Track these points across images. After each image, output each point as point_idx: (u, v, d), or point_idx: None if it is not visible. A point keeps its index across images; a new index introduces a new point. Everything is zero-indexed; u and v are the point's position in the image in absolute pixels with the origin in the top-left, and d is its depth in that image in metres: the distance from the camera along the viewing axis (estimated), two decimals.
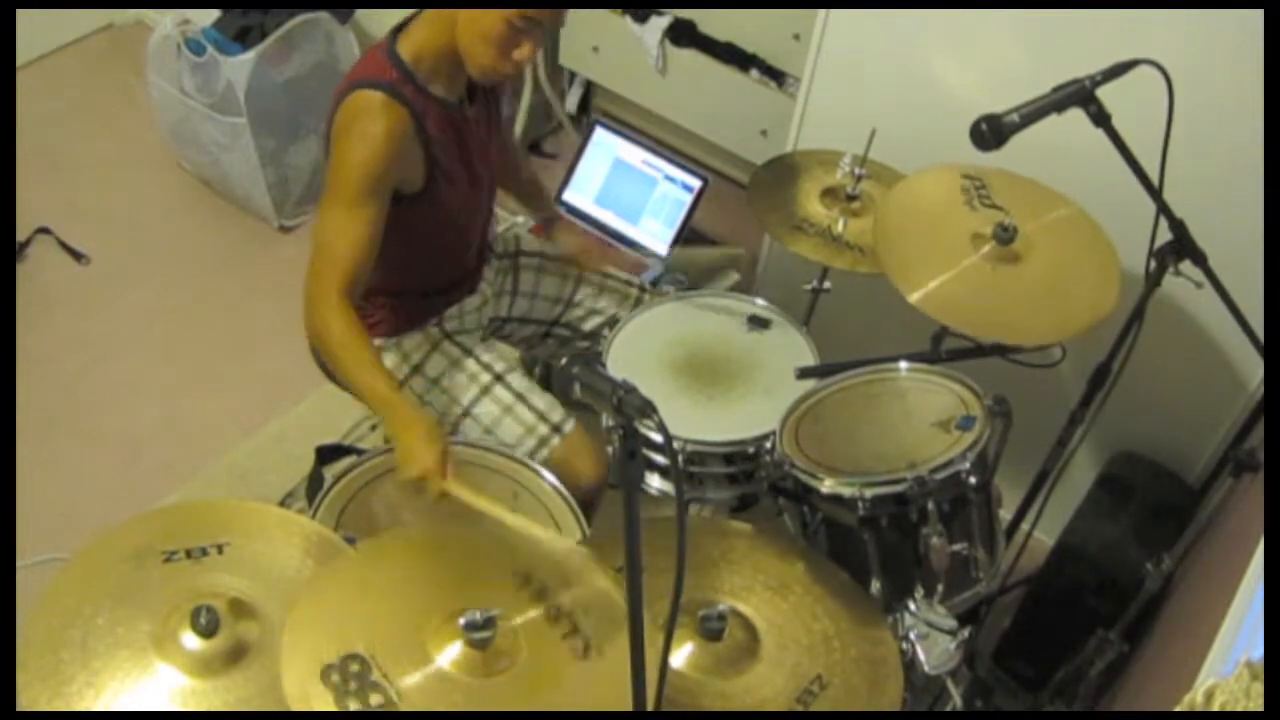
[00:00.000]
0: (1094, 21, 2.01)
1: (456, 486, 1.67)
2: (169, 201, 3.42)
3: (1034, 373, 1.96)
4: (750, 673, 1.59)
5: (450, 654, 1.37)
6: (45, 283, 3.13)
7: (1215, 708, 1.12)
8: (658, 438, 1.88)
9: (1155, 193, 1.73)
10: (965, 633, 1.71)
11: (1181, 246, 1.79)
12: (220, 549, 1.56)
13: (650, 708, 1.30)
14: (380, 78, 1.78)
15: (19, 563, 2.30)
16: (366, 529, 1.82)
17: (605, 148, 2.88)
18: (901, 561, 1.75)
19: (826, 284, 2.27)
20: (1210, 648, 1.39)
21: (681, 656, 1.58)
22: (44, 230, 3.22)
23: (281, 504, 2.45)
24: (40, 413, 2.78)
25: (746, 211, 2.31)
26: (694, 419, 1.93)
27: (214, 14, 3.10)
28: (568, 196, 2.93)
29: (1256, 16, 1.83)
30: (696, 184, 2.82)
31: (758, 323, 2.14)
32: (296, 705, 1.29)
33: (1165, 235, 1.79)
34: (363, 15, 3.33)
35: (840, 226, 2.20)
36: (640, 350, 2.08)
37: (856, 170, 2.21)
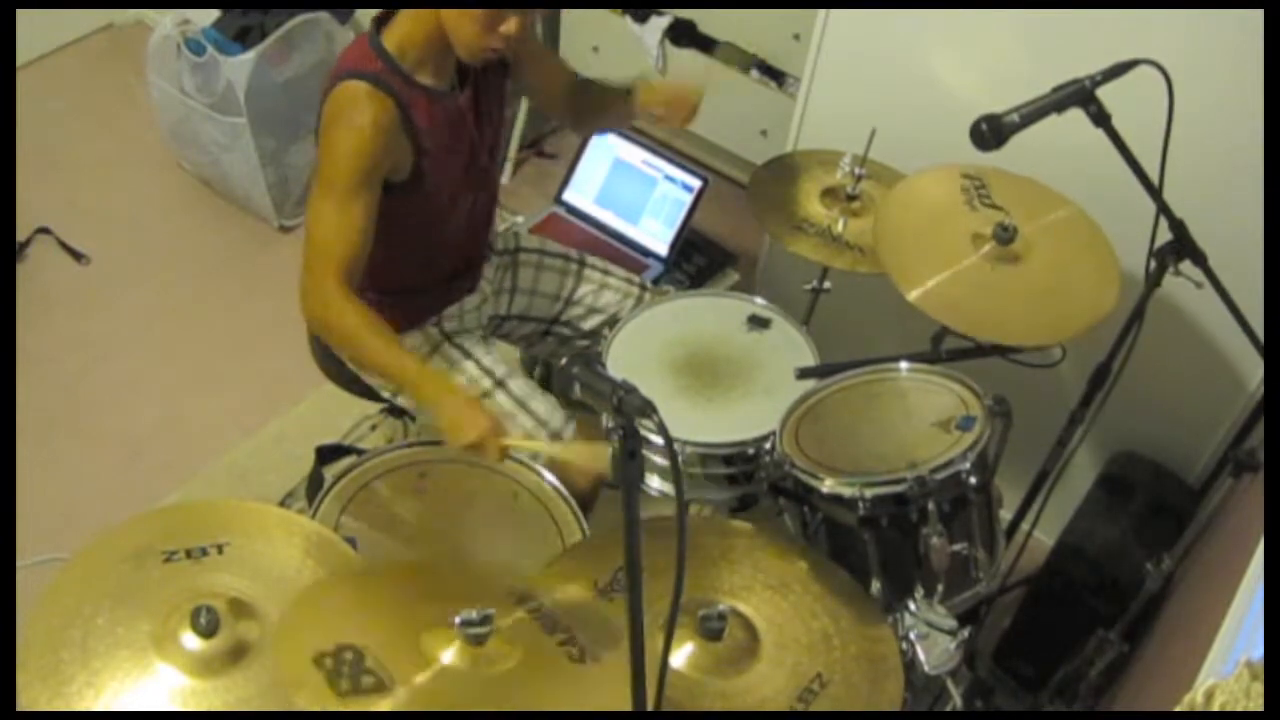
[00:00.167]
0: (1094, 21, 2.01)
1: (512, 440, 1.75)
2: (169, 201, 3.42)
3: (1034, 373, 1.96)
4: (750, 672, 1.59)
5: (447, 651, 1.37)
6: (45, 283, 3.13)
7: (1215, 708, 1.12)
8: (658, 438, 1.88)
9: (1155, 193, 1.73)
10: (965, 633, 1.71)
11: (1181, 246, 1.79)
12: (220, 549, 1.56)
13: (650, 708, 1.30)
14: (364, 68, 1.78)
15: (19, 563, 2.30)
16: (367, 529, 1.82)
17: (605, 148, 2.88)
18: (901, 561, 1.75)
19: (826, 284, 2.27)
20: (1210, 648, 1.39)
21: (681, 656, 1.58)
22: (44, 230, 3.22)
23: (281, 504, 2.45)
24: (40, 413, 2.78)
25: (746, 211, 2.31)
26: (694, 419, 1.93)
27: (214, 14, 3.10)
28: (568, 196, 2.93)
29: (1256, 16, 1.83)
30: (696, 184, 2.82)
31: (758, 323, 2.14)
32: (289, 687, 1.28)
33: (1165, 235, 1.79)
34: (363, 15, 3.34)
35: (840, 226, 2.20)
36: (640, 350, 2.08)
37: (856, 170, 2.21)
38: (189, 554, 1.54)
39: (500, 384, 2.05)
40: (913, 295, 1.86)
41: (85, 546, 1.54)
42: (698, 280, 2.88)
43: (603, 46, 3.23)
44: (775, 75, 2.98)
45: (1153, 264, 1.81)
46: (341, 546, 1.62)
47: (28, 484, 2.57)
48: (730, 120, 3.12)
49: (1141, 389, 2.13)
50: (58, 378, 2.89)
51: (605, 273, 2.32)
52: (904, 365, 1.90)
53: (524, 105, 3.46)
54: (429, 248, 2.03)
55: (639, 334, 2.12)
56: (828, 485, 1.75)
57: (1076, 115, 1.68)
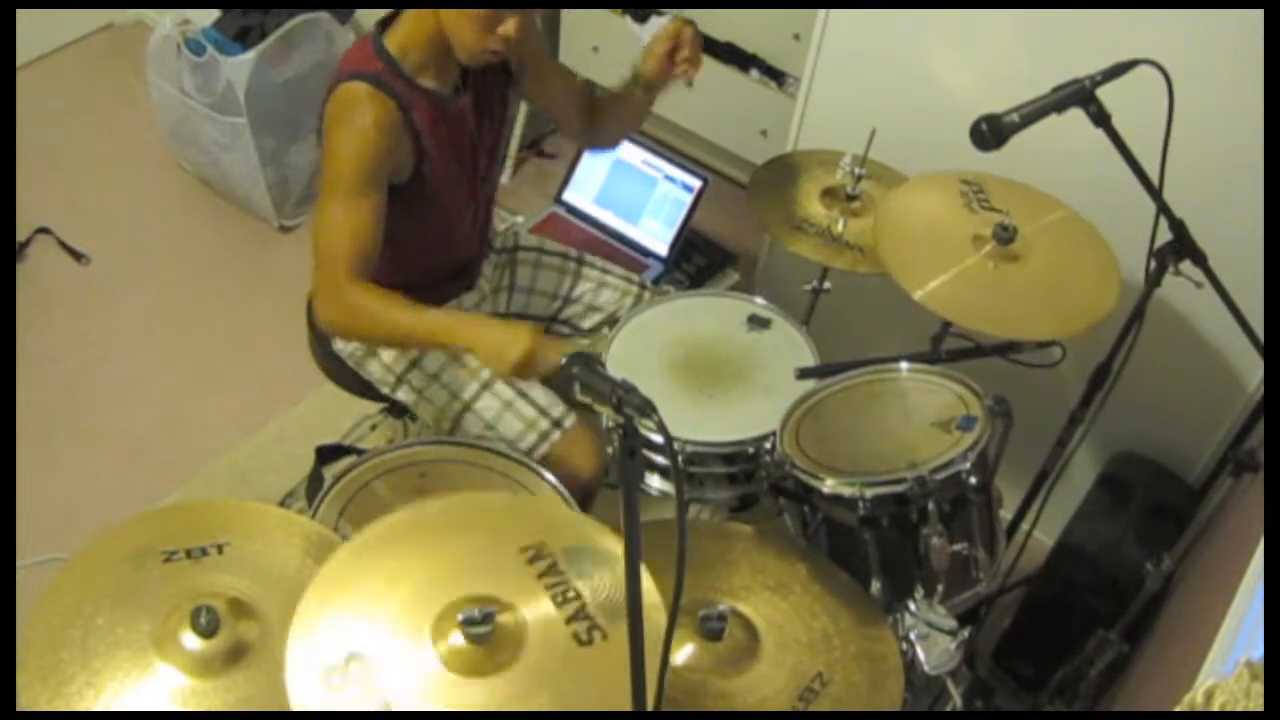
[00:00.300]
0: (1094, 21, 2.01)
1: (564, 345, 1.75)
2: (169, 201, 3.42)
3: (1034, 373, 1.96)
4: (751, 672, 1.59)
5: (450, 653, 1.37)
6: (45, 283, 3.13)
7: (1215, 708, 1.12)
8: (658, 438, 1.89)
9: (1155, 193, 1.73)
10: (965, 633, 1.70)
11: (1181, 246, 1.78)
12: (220, 549, 1.56)
13: (650, 707, 1.30)
14: (365, 69, 1.78)
15: (19, 563, 2.30)
16: None
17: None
18: (902, 561, 1.75)
19: (826, 284, 2.27)
20: (1210, 648, 1.39)
21: (682, 656, 1.58)
22: (44, 230, 3.22)
23: (281, 504, 2.46)
24: (40, 413, 2.78)
25: (746, 211, 2.31)
26: (694, 419, 1.93)
27: (214, 14, 3.10)
28: (568, 196, 2.93)
29: (1256, 16, 1.83)
30: (696, 184, 2.82)
31: (758, 322, 2.14)
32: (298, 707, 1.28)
33: (1165, 235, 1.79)
34: (363, 15, 3.34)
35: (840, 226, 2.20)
36: (640, 350, 2.08)
37: (856, 170, 2.21)
38: (189, 554, 1.54)
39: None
40: (917, 294, 1.86)
41: (85, 546, 1.54)
42: (698, 280, 2.88)
43: (603, 46, 3.23)
44: (775, 75, 2.98)
45: (1153, 264, 1.81)
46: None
47: (28, 484, 2.57)
48: (730, 120, 3.12)
49: (1141, 389, 2.13)
50: (58, 378, 2.89)
51: (604, 271, 2.32)
52: (904, 365, 1.90)
53: (524, 105, 3.46)
54: (428, 248, 2.03)
55: (639, 334, 2.12)
56: (828, 485, 1.75)
57: (1076, 115, 1.68)
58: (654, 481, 1.99)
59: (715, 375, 2.04)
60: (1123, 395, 2.01)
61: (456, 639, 1.35)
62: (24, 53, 3.68)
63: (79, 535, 1.77)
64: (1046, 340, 1.92)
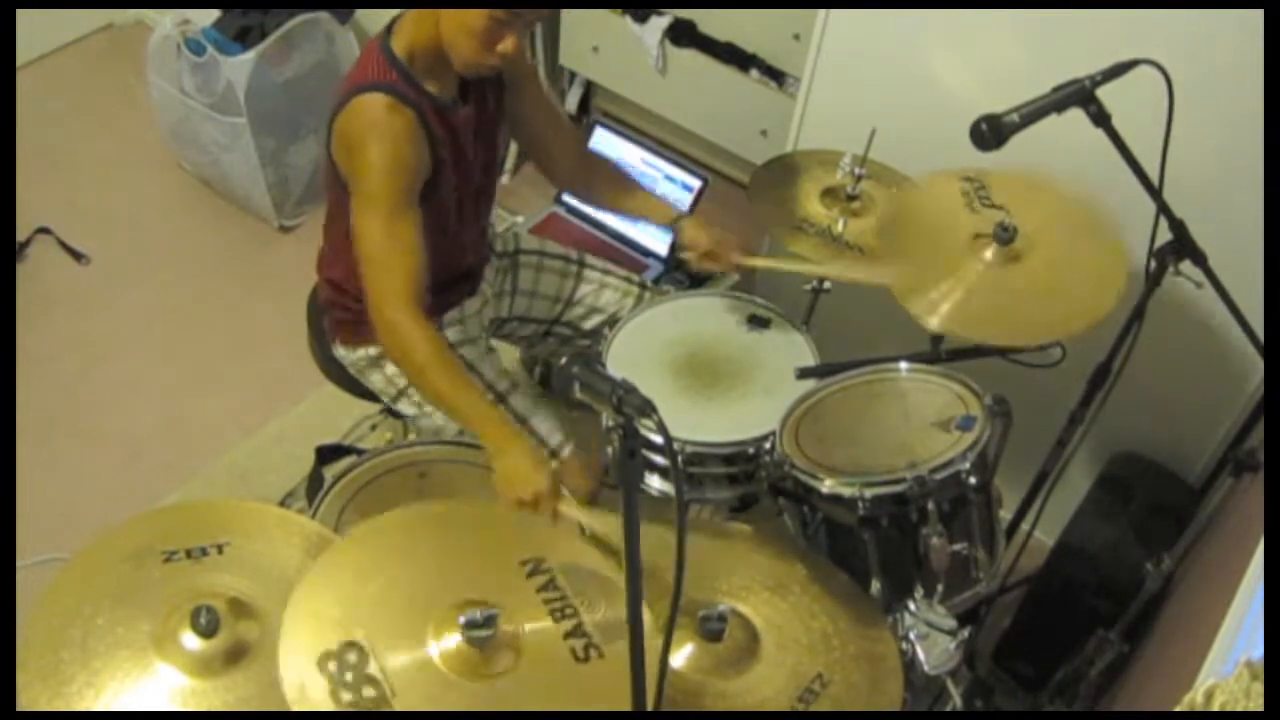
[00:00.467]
0: (1094, 21, 2.01)
1: (568, 507, 1.73)
2: (169, 201, 3.42)
3: (1034, 373, 1.96)
4: (751, 673, 1.59)
5: (449, 649, 1.37)
6: (45, 283, 3.13)
7: (1215, 708, 1.12)
8: (658, 438, 1.89)
9: (1155, 193, 1.73)
10: (965, 633, 1.70)
11: (1181, 246, 1.78)
12: (220, 549, 1.56)
13: (650, 708, 1.30)
14: (381, 79, 1.77)
15: (19, 563, 2.30)
16: None
17: (605, 148, 2.88)
18: (901, 561, 1.75)
19: (826, 284, 2.27)
20: (1210, 648, 1.39)
21: (682, 657, 1.58)
22: (44, 230, 3.22)
23: (281, 504, 2.46)
24: (40, 413, 2.78)
25: (746, 211, 2.31)
26: (694, 419, 1.93)
27: (214, 14, 3.10)
28: (568, 196, 2.93)
29: (1256, 16, 1.83)
30: (696, 184, 2.82)
31: (758, 322, 2.14)
32: (292, 691, 1.28)
33: (1165, 235, 1.79)
34: (363, 15, 3.34)
35: (840, 226, 2.20)
36: (640, 350, 2.08)
37: (856, 170, 2.21)
38: (189, 554, 1.54)
39: (502, 399, 2.05)
40: (932, 323, 1.87)
41: (85, 546, 1.54)
42: (698, 280, 2.88)
43: (603, 46, 3.23)
44: (775, 75, 2.97)
45: (1153, 264, 1.81)
46: None
47: (28, 484, 2.57)
48: (730, 120, 3.11)
49: (1141, 389, 2.13)
50: (58, 378, 2.89)
51: (605, 272, 2.32)
52: (904, 365, 1.90)
53: None
54: (431, 253, 2.03)
55: (639, 334, 2.12)
56: (828, 485, 1.74)
57: (1076, 115, 1.68)
58: (654, 481, 1.99)
59: (715, 375, 2.04)
60: (1123, 395, 2.00)
61: (456, 641, 1.36)
62: (24, 53, 3.68)
63: (79, 535, 1.77)
64: (1048, 340, 1.92)
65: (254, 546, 1.58)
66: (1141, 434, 2.42)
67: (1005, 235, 1.91)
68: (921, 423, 1.81)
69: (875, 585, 1.77)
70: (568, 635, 1.42)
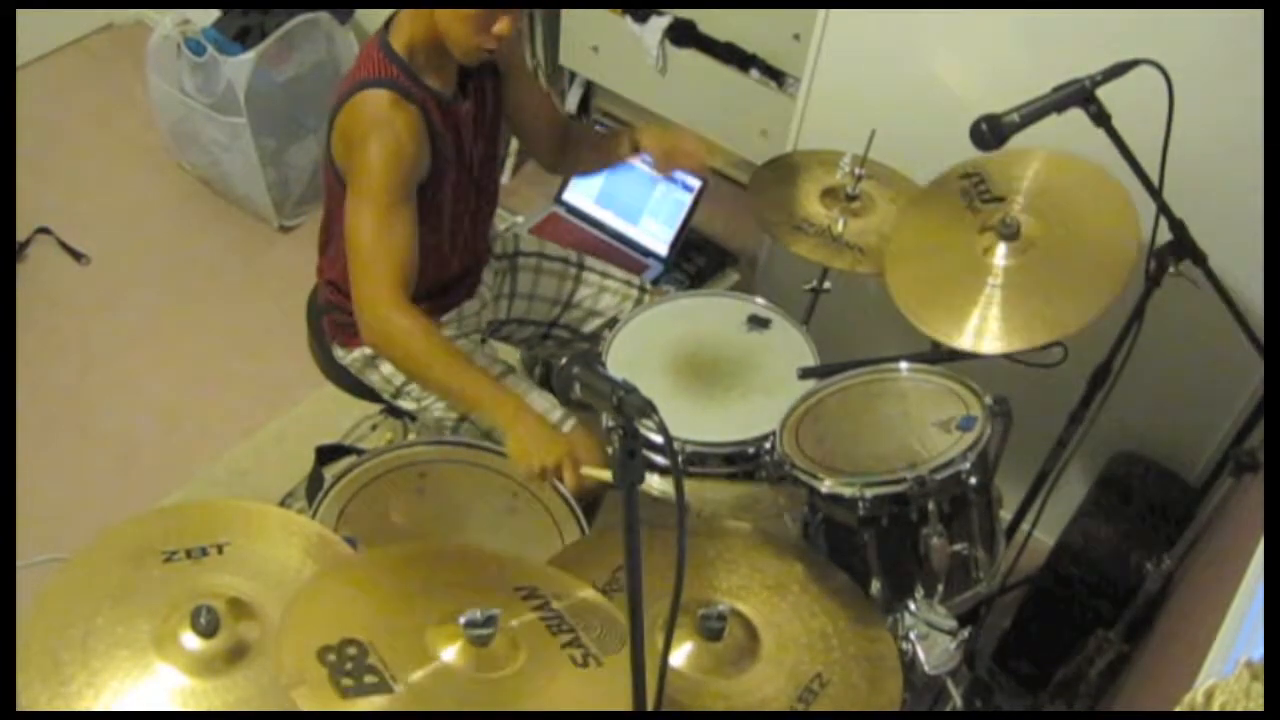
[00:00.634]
0: (1094, 21, 2.01)
1: (588, 467, 1.72)
2: (169, 201, 3.42)
3: (1034, 373, 1.96)
4: (750, 672, 1.59)
5: (451, 649, 1.37)
6: (45, 283, 3.13)
7: (1215, 708, 1.12)
8: (658, 438, 1.89)
9: (1155, 193, 1.73)
10: (965, 633, 1.70)
11: (1181, 246, 1.79)
12: (220, 549, 1.56)
13: (650, 708, 1.30)
14: (383, 75, 1.78)
15: (19, 563, 2.29)
16: (367, 529, 1.82)
17: None
18: (901, 561, 1.75)
19: (826, 284, 2.27)
20: (1210, 648, 1.38)
21: (681, 656, 1.58)
22: (44, 230, 3.22)
23: (281, 504, 2.46)
24: (40, 413, 2.78)
25: (746, 211, 2.31)
26: (694, 419, 1.93)
27: (214, 14, 3.10)
28: (568, 196, 2.93)
29: (1256, 16, 1.83)
30: (696, 184, 2.82)
31: (758, 323, 2.14)
32: (291, 682, 1.28)
33: (1165, 235, 1.79)
34: (363, 15, 3.33)
35: (840, 226, 2.20)
36: (640, 350, 2.08)
37: (856, 170, 2.21)
38: (189, 554, 1.54)
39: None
40: (966, 344, 1.85)
41: (85, 546, 1.54)
42: (698, 280, 2.88)
43: (603, 46, 3.23)
44: (775, 75, 2.97)
45: (1153, 264, 1.81)
46: (341, 546, 1.62)
47: (28, 484, 2.57)
48: (730, 120, 3.11)
49: (1141, 389, 2.13)
50: (58, 378, 2.89)
51: (604, 275, 2.31)
52: (904, 365, 1.90)
53: None
54: (432, 256, 2.03)
55: (639, 334, 2.12)
56: (828, 485, 1.74)
57: (1076, 115, 1.68)
58: (654, 482, 1.99)
59: (715, 375, 2.05)
60: (1123, 395, 2.00)
61: (456, 641, 1.36)
62: (24, 53, 3.68)
63: (79, 535, 1.77)
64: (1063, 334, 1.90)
65: (254, 546, 1.58)
66: (1141, 434, 2.42)
67: (1009, 230, 1.90)
68: (922, 423, 1.81)
69: (875, 585, 1.77)
70: (565, 646, 1.43)
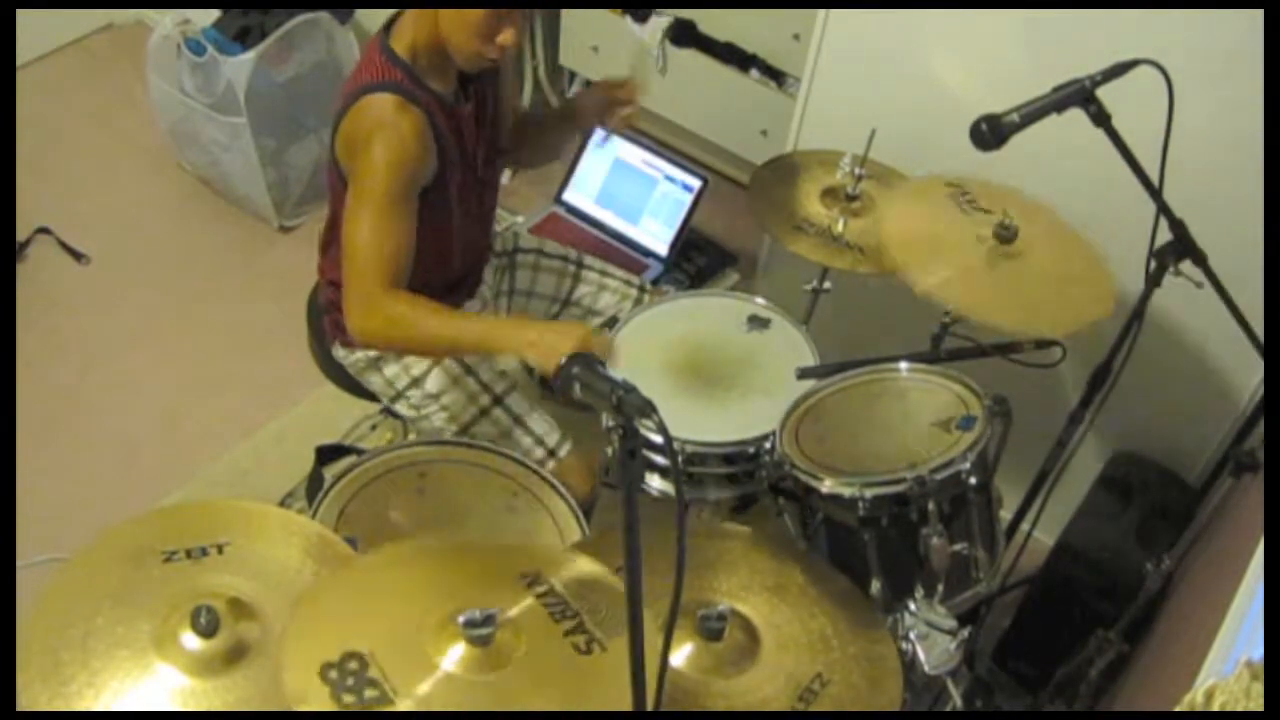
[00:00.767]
0: (1094, 21, 2.01)
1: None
2: (169, 201, 3.42)
3: (1034, 373, 1.96)
4: (750, 672, 1.59)
5: (451, 654, 1.37)
6: (45, 283, 3.13)
7: (1215, 708, 1.12)
8: (658, 438, 1.89)
9: (1155, 193, 1.73)
10: (965, 633, 1.71)
11: (1181, 246, 1.78)
12: (220, 549, 1.56)
13: (650, 708, 1.30)
14: (386, 79, 1.77)
15: (19, 563, 2.29)
16: (367, 529, 1.82)
17: (605, 148, 2.88)
18: (901, 561, 1.75)
19: (826, 284, 2.27)
20: (1210, 648, 1.39)
21: (681, 656, 1.58)
22: (44, 230, 3.22)
23: (281, 504, 2.46)
24: (40, 413, 2.78)
25: (746, 211, 2.31)
26: (694, 419, 1.93)
27: (214, 14, 3.10)
28: (568, 196, 2.94)
29: (1256, 16, 1.83)
30: (696, 184, 2.82)
31: (758, 322, 2.14)
32: (294, 701, 1.28)
33: (1165, 235, 1.79)
34: (363, 15, 3.33)
35: (840, 226, 2.20)
36: (640, 350, 2.08)
37: (856, 170, 2.21)
38: (189, 554, 1.54)
39: (498, 400, 2.05)
40: (921, 289, 1.86)
41: (85, 546, 1.54)
42: (698, 280, 2.88)
43: (603, 46, 3.23)
44: (775, 75, 2.98)
45: (1153, 264, 1.81)
46: (341, 546, 1.62)
47: (28, 484, 2.56)
48: (730, 120, 3.12)
49: (1141, 389, 2.13)
50: (58, 378, 2.89)
51: (603, 274, 2.31)
52: (904, 365, 1.90)
53: (524, 105, 3.46)
54: (435, 257, 2.03)
55: (639, 334, 2.12)
56: (828, 485, 1.75)
57: (1076, 115, 1.68)
58: (654, 481, 1.99)
59: (715, 375, 2.05)
60: (1123, 395, 2.00)
61: (457, 644, 1.36)
62: (24, 53, 3.68)
63: (79, 535, 1.77)
64: (1046, 340, 1.92)
65: (254, 546, 1.58)
66: (1141, 434, 2.42)
67: (1006, 234, 1.91)
68: (921, 423, 1.81)
69: (875, 585, 1.77)
70: (568, 633, 1.42)
